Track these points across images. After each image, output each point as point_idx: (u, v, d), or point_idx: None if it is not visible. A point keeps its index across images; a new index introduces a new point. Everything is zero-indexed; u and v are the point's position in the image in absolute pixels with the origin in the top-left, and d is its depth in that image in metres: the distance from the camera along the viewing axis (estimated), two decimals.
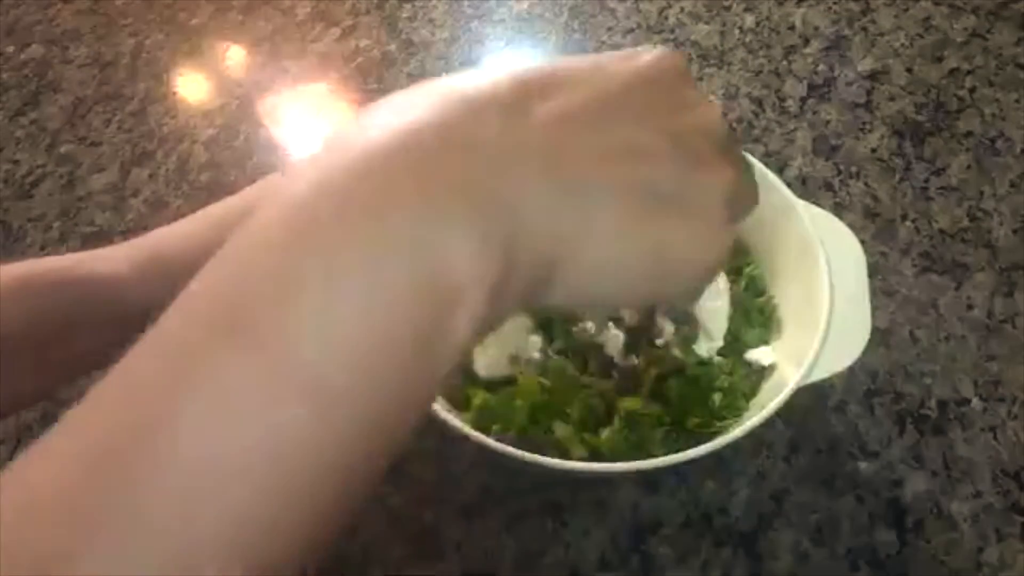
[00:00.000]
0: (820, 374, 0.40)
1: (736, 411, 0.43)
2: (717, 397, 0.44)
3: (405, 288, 0.20)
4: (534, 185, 0.22)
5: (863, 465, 0.47)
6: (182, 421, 0.18)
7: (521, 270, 0.22)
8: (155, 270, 0.40)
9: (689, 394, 0.43)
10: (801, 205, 0.46)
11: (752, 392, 0.44)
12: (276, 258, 0.20)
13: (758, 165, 0.47)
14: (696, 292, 0.26)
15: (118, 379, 0.19)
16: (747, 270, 0.49)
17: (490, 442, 0.39)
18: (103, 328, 0.40)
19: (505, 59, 0.74)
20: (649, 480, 0.47)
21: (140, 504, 0.17)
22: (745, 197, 0.27)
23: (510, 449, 0.38)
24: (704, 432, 0.41)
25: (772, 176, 0.47)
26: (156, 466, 0.18)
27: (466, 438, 0.39)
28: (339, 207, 0.20)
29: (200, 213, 0.43)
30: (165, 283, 0.40)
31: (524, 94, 0.22)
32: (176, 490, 0.18)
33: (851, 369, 0.50)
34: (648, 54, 0.26)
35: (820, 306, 0.41)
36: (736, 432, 0.38)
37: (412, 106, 0.22)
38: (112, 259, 0.40)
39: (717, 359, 0.45)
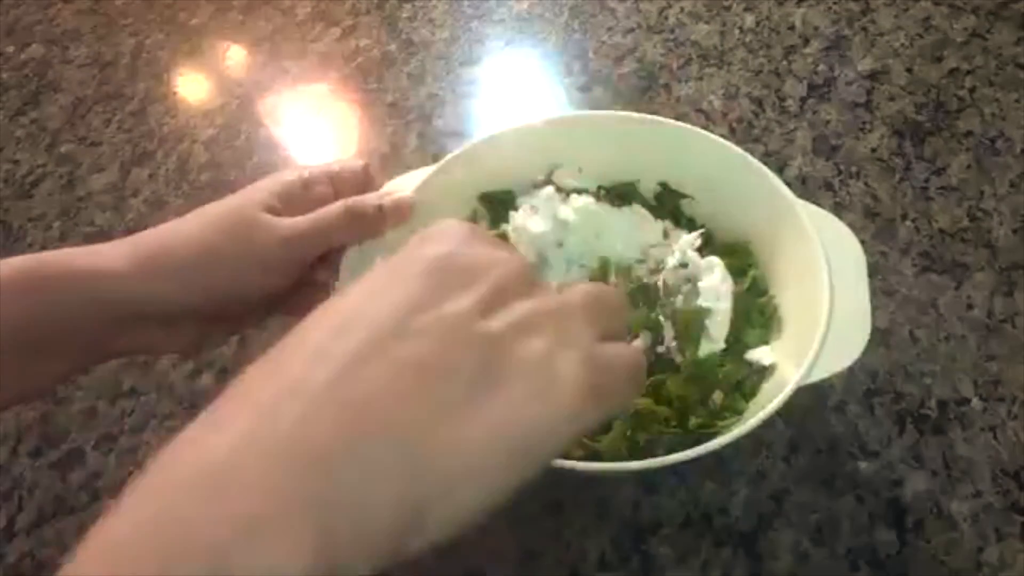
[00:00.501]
0: (820, 374, 0.40)
1: (736, 411, 0.43)
2: (718, 398, 0.44)
3: None
4: (364, 483, 0.21)
5: (863, 465, 0.47)
6: None
7: (355, 558, 0.21)
8: (153, 266, 0.40)
9: (689, 395, 0.43)
10: (800, 204, 0.46)
11: (752, 392, 0.44)
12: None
13: (757, 163, 0.47)
14: (564, 445, 0.25)
15: None
16: (751, 272, 0.49)
17: None
18: (101, 323, 0.40)
19: (505, 59, 0.74)
20: (649, 480, 0.47)
21: None
22: (598, 315, 0.27)
23: None
24: (704, 432, 0.41)
25: (772, 176, 0.47)
26: None
27: None
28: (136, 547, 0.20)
29: (196, 212, 0.43)
30: (162, 279, 0.40)
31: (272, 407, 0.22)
32: None
33: (851, 369, 0.50)
34: (416, 263, 0.25)
35: (820, 306, 0.41)
36: (736, 432, 0.38)
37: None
38: (111, 255, 0.40)
39: (718, 359, 0.45)
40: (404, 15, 0.79)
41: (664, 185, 0.52)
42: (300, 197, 0.44)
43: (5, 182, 0.69)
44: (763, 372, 0.45)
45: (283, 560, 0.20)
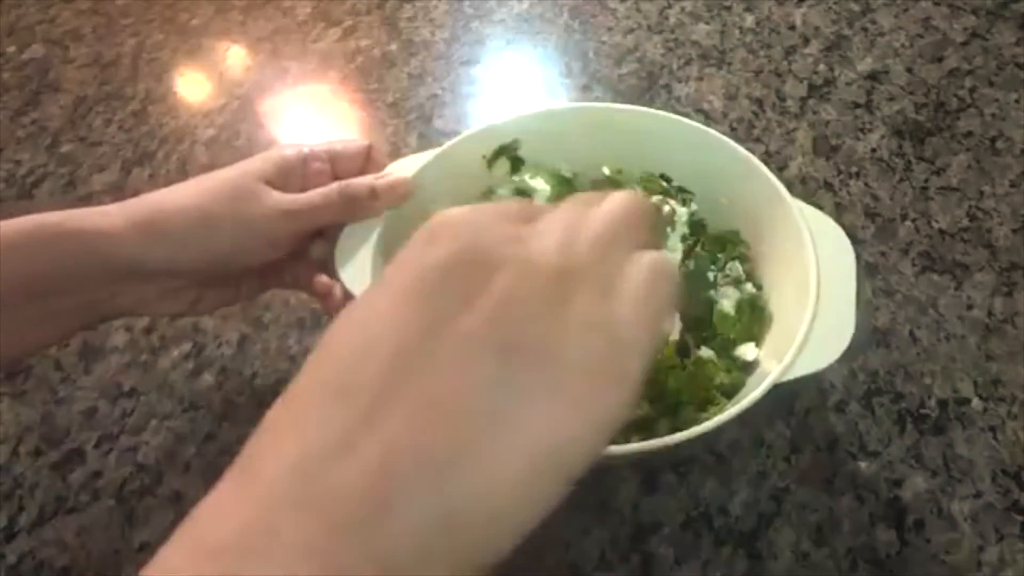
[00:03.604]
0: (802, 370, 0.40)
1: (723, 407, 0.44)
2: (711, 394, 0.44)
3: None
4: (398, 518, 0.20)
5: (863, 465, 0.47)
6: None
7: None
8: (151, 229, 0.42)
9: (684, 390, 0.43)
10: (790, 200, 0.46)
11: (735, 389, 0.45)
12: None
13: (748, 157, 0.47)
14: (616, 422, 0.23)
15: None
16: (743, 265, 0.49)
17: None
18: (100, 281, 0.42)
19: (505, 59, 0.74)
20: (649, 480, 0.47)
21: None
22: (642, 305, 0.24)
23: None
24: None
25: (763, 168, 0.47)
26: None
27: None
28: None
29: (196, 179, 0.44)
30: (160, 242, 0.41)
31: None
32: None
33: (851, 369, 0.50)
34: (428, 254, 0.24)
35: (807, 304, 0.41)
36: (709, 424, 0.37)
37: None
38: (110, 215, 0.42)
39: (711, 356, 0.45)
40: (404, 15, 0.79)
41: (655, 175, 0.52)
42: (298, 172, 0.46)
43: (6, 182, 0.69)
44: (747, 368, 0.45)
45: None
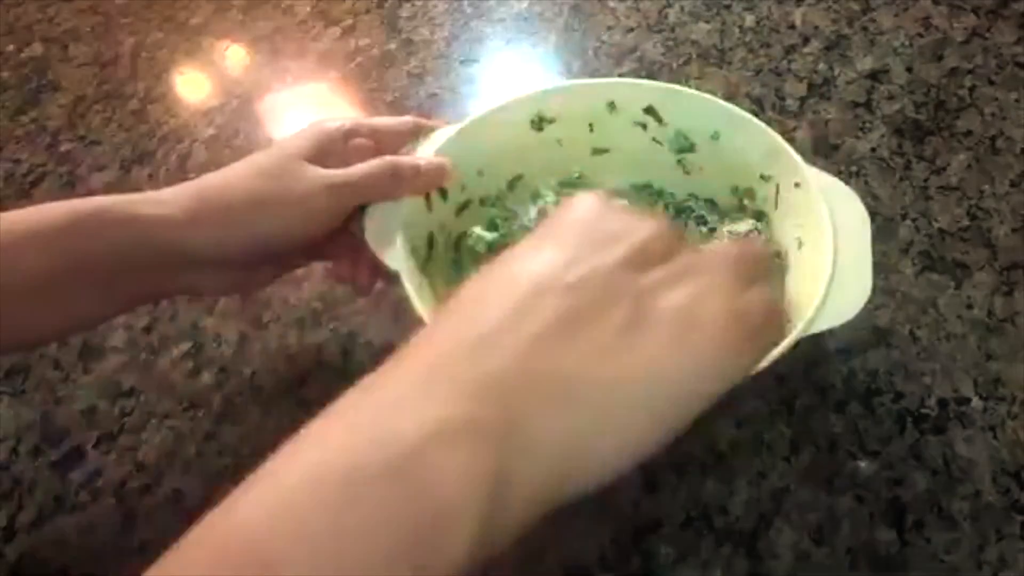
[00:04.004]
0: (825, 324, 0.40)
1: None
2: None
3: (400, 513, 0.21)
4: (537, 408, 0.24)
5: (863, 464, 0.47)
6: None
7: (526, 483, 0.23)
8: (206, 214, 0.42)
9: None
10: (807, 168, 0.47)
11: None
12: (287, 498, 0.21)
13: (764, 129, 0.49)
14: (731, 379, 0.27)
15: None
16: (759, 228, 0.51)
17: None
18: (155, 266, 0.43)
19: (505, 58, 0.74)
20: (649, 480, 0.47)
21: None
22: (745, 268, 0.29)
23: None
24: None
25: (784, 143, 0.48)
26: None
27: None
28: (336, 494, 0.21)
29: (245, 160, 0.45)
30: (215, 226, 0.42)
31: (496, 332, 0.25)
32: None
33: (851, 368, 0.50)
34: (565, 225, 0.29)
35: (824, 255, 0.42)
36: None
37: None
38: (170, 203, 0.43)
39: None
40: (404, 14, 0.79)
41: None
42: (338, 147, 0.46)
43: (5, 181, 0.69)
44: None
45: (471, 465, 0.22)
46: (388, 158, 0.46)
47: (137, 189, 0.66)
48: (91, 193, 0.67)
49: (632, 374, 0.25)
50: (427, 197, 0.48)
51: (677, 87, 0.52)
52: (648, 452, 0.26)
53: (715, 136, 0.51)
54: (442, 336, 0.26)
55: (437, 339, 0.26)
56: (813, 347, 0.40)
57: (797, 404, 0.50)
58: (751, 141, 0.49)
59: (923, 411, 0.49)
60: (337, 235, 0.47)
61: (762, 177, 0.49)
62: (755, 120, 0.49)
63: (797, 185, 0.47)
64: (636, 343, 0.25)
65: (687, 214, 0.53)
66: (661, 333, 0.25)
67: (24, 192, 0.68)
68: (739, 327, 0.27)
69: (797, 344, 0.39)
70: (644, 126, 0.52)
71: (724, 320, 0.26)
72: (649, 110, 0.52)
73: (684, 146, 0.52)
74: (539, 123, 0.52)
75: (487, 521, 0.22)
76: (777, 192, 0.49)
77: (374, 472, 0.21)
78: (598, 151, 0.54)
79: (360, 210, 0.46)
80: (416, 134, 0.49)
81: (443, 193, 0.49)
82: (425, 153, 0.48)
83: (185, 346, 0.56)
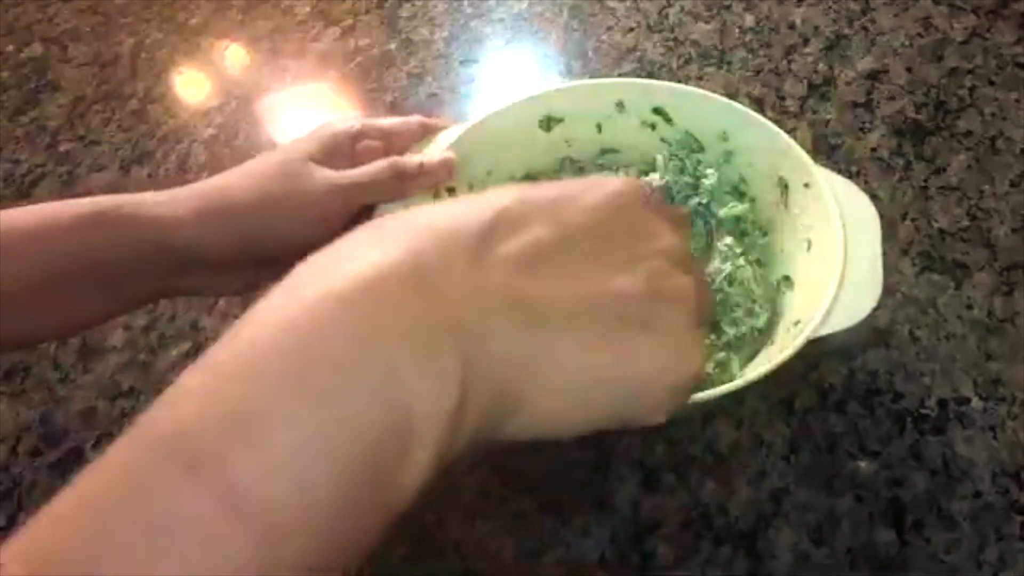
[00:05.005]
0: (835, 326, 0.40)
1: (730, 374, 0.45)
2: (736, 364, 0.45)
3: (363, 426, 0.20)
4: (495, 325, 0.23)
5: (863, 465, 0.47)
6: (123, 544, 0.18)
7: (479, 404, 0.22)
8: (214, 216, 0.43)
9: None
10: (817, 169, 0.47)
11: (751, 356, 0.46)
12: (237, 392, 0.20)
13: (775, 131, 0.49)
14: (664, 408, 0.26)
15: (73, 494, 0.19)
16: (758, 241, 0.51)
17: None
18: (163, 266, 0.43)
19: (505, 58, 0.74)
20: (649, 480, 0.47)
21: None
22: (705, 313, 0.29)
23: None
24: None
25: (794, 144, 0.48)
26: None
27: None
28: (301, 348, 0.20)
29: (253, 161, 0.45)
30: (222, 228, 0.43)
31: (490, 233, 0.24)
32: None
33: (851, 369, 0.50)
34: (609, 184, 0.27)
35: (835, 255, 0.42)
36: (751, 375, 0.39)
37: (382, 242, 0.23)
38: (179, 204, 0.43)
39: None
40: (404, 14, 0.79)
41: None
42: (345, 149, 0.46)
43: (5, 181, 0.69)
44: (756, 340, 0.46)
45: (444, 376, 0.21)
46: (390, 159, 0.46)
47: (137, 189, 0.66)
48: (91, 193, 0.67)
49: (590, 358, 0.24)
50: (435, 197, 0.48)
51: (686, 88, 0.52)
52: (575, 430, 0.25)
53: (724, 137, 0.51)
54: (402, 234, 0.25)
55: (394, 234, 0.25)
56: (813, 347, 0.40)
57: (797, 404, 0.50)
58: (760, 142, 0.49)
59: (923, 411, 0.49)
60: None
61: (771, 178, 0.49)
62: (766, 121, 0.49)
63: (807, 186, 0.47)
64: (622, 330, 0.25)
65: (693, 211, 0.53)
66: (647, 334, 0.25)
67: (24, 192, 0.68)
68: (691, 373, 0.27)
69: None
70: (653, 126, 0.52)
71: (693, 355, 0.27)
72: (658, 110, 0.52)
73: (693, 147, 0.52)
74: (547, 123, 0.52)
75: (444, 446, 0.21)
76: (786, 193, 0.49)
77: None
78: (606, 151, 0.54)
79: (369, 211, 0.46)
80: (424, 135, 0.49)
81: (451, 192, 0.49)
82: (433, 153, 0.48)
83: (185, 346, 0.56)
